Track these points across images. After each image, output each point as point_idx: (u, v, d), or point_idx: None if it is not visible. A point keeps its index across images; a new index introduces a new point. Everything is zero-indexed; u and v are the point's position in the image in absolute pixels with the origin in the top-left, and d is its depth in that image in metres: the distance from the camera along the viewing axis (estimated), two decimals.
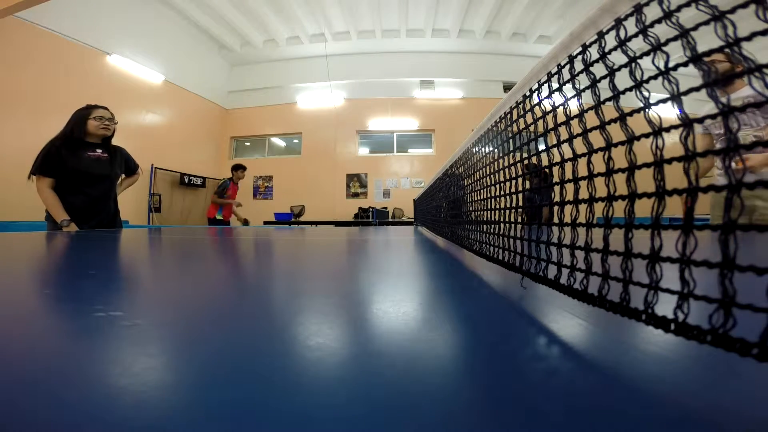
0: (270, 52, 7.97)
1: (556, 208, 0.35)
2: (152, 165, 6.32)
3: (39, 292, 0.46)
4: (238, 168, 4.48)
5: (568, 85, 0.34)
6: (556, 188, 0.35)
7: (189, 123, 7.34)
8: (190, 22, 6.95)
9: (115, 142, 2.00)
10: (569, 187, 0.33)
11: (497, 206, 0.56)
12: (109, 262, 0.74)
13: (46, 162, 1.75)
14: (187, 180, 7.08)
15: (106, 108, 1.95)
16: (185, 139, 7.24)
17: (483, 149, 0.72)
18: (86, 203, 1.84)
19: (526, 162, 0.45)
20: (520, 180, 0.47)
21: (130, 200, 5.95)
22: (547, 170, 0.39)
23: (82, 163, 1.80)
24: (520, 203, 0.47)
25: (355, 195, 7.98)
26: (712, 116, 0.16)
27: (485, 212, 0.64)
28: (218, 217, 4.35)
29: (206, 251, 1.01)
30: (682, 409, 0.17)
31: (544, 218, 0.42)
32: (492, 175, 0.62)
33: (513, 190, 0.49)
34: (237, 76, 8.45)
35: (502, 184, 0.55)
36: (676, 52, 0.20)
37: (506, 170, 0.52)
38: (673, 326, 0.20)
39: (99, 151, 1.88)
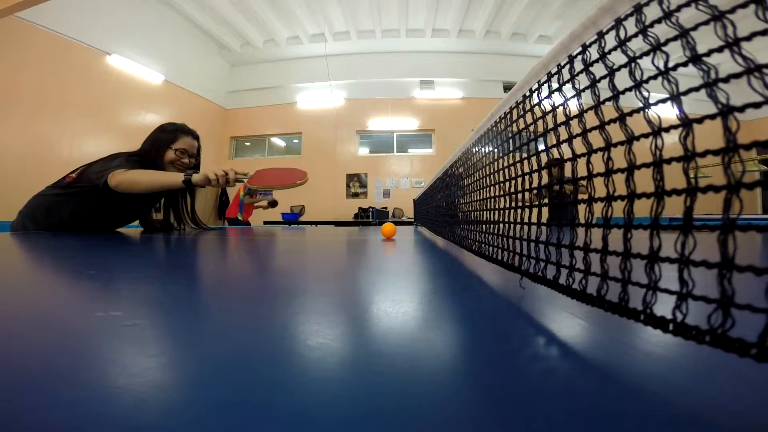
0: (270, 52, 7.96)
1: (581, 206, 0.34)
2: None
3: (40, 291, 0.46)
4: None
5: (568, 85, 0.34)
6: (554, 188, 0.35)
7: (189, 123, 7.12)
8: (191, 22, 6.94)
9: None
10: (568, 187, 0.33)
11: (497, 206, 0.56)
12: (111, 263, 0.74)
13: (130, 163, 1.42)
14: None
15: (195, 137, 1.60)
16: None
17: (483, 149, 0.72)
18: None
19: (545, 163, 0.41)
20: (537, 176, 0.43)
21: None
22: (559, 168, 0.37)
23: (136, 197, 1.46)
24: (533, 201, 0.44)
25: (355, 195, 7.97)
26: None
27: (485, 212, 0.64)
28: (239, 218, 4.34)
29: (207, 251, 1.01)
30: (680, 409, 0.17)
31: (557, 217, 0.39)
32: (492, 175, 0.62)
33: (515, 189, 0.49)
34: (237, 76, 8.44)
35: (501, 184, 0.55)
36: (676, 52, 0.20)
37: (506, 170, 0.52)
38: (671, 326, 0.20)
39: None
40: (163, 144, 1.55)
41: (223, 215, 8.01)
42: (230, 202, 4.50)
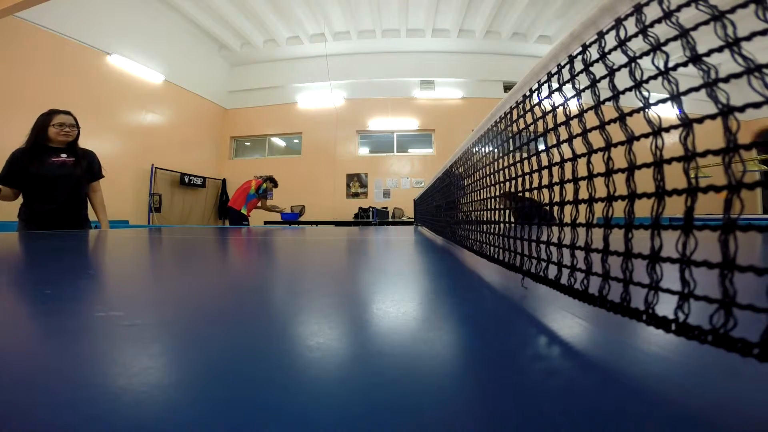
0: (270, 52, 7.97)
1: (555, 208, 0.35)
2: (152, 165, 6.32)
3: (41, 291, 0.46)
4: (273, 181, 4.57)
5: (568, 85, 0.34)
6: (556, 188, 0.35)
7: (189, 123, 7.34)
8: (190, 22, 6.95)
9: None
10: (569, 187, 0.33)
11: (497, 206, 0.56)
12: (112, 263, 0.74)
13: (10, 173, 1.80)
14: (187, 180, 7.08)
15: (68, 113, 1.96)
16: (185, 139, 7.24)
17: (483, 149, 0.72)
18: (53, 207, 1.87)
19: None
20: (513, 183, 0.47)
21: (130, 200, 5.96)
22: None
23: (44, 169, 1.83)
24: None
25: (356, 195, 7.97)
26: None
27: (486, 212, 0.64)
28: (243, 211, 4.40)
29: (209, 251, 1.01)
30: (682, 409, 0.17)
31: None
32: (492, 175, 0.62)
33: (512, 190, 0.49)
34: (237, 76, 8.44)
35: (501, 185, 0.55)
36: (676, 52, 0.20)
37: (506, 170, 0.52)
38: (673, 326, 0.20)
39: (63, 156, 1.92)
40: (44, 125, 1.86)
41: (223, 215, 8.02)
42: (235, 194, 4.52)
